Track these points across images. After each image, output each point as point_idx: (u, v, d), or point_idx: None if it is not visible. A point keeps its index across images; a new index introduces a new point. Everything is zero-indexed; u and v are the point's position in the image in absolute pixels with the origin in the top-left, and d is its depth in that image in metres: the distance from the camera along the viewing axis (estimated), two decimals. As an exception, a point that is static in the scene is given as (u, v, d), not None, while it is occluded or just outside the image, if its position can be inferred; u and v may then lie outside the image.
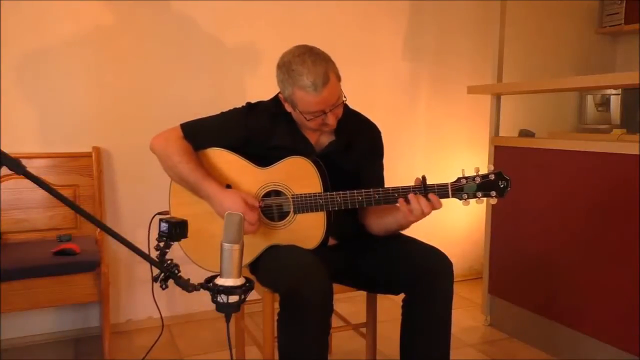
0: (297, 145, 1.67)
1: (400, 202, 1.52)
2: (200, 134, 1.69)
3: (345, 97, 1.62)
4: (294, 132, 1.68)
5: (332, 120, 1.59)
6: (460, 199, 1.52)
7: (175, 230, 1.30)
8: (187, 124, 1.71)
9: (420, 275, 1.56)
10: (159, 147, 1.68)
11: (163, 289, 1.29)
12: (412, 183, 1.54)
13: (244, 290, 1.23)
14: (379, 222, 1.68)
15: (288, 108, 1.64)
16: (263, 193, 1.65)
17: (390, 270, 1.63)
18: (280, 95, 1.65)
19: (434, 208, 1.51)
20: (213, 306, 1.24)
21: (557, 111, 3.58)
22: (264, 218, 1.64)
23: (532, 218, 2.37)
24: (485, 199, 1.50)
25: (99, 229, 2.25)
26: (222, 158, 1.68)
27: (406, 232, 1.72)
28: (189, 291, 1.26)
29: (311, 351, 1.48)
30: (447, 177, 1.55)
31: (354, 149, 1.72)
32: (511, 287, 2.51)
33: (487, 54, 2.65)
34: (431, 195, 1.50)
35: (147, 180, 2.50)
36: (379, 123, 1.82)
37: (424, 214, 1.51)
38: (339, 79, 1.59)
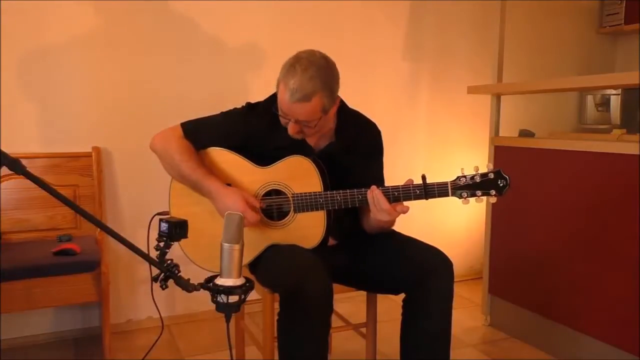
0: (296, 145, 1.67)
1: (369, 197, 1.53)
2: (200, 133, 1.70)
3: (315, 125, 1.59)
4: (293, 132, 1.68)
5: (291, 129, 1.58)
6: (460, 198, 1.52)
7: (175, 230, 1.30)
8: (187, 123, 1.72)
9: (421, 275, 1.56)
10: (160, 146, 1.68)
11: (163, 289, 1.29)
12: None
13: (244, 290, 1.23)
14: (368, 220, 1.67)
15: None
16: (263, 192, 1.65)
17: (390, 270, 1.63)
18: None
19: (402, 212, 1.52)
20: (213, 306, 1.24)
21: (557, 111, 3.58)
22: (264, 217, 1.64)
23: (532, 218, 2.37)
24: (484, 197, 1.51)
25: (99, 229, 2.25)
26: (223, 157, 1.69)
27: (407, 232, 1.73)
28: (189, 291, 1.26)
29: (311, 351, 1.48)
30: (448, 176, 1.55)
31: (353, 150, 1.72)
32: (511, 287, 2.51)
33: (487, 54, 2.65)
34: (399, 204, 1.51)
35: (147, 180, 2.50)
36: (379, 123, 1.82)
37: (387, 211, 1.51)
38: (322, 108, 1.55)
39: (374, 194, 1.52)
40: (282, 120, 1.61)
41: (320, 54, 1.58)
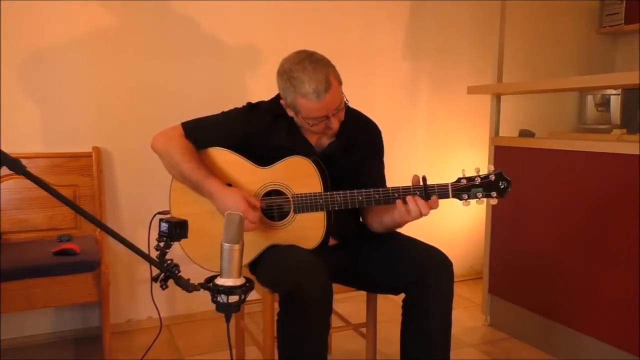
0: (297, 145, 1.67)
1: (398, 204, 1.52)
2: (201, 133, 1.70)
3: (347, 100, 1.62)
4: (294, 133, 1.69)
5: (335, 124, 1.60)
6: (461, 200, 1.52)
7: (176, 230, 1.30)
8: (188, 123, 1.72)
9: (421, 275, 1.56)
10: (161, 145, 1.68)
11: (163, 289, 1.29)
12: (411, 183, 1.54)
13: (244, 290, 1.23)
14: (378, 220, 1.68)
15: (290, 113, 1.64)
16: (263, 192, 1.65)
17: (390, 270, 1.63)
18: (282, 101, 1.65)
19: (431, 208, 1.51)
20: (213, 306, 1.24)
21: (557, 111, 3.58)
22: (264, 217, 1.64)
23: (532, 218, 2.36)
24: (485, 199, 1.50)
25: (99, 229, 2.25)
26: (223, 157, 1.69)
27: (407, 232, 1.73)
28: (189, 291, 1.26)
29: (311, 351, 1.48)
30: (447, 176, 1.55)
31: (354, 150, 1.73)
32: (511, 287, 2.51)
33: (487, 54, 2.65)
34: (432, 198, 1.50)
35: (147, 180, 2.50)
36: (379, 122, 1.83)
37: (421, 215, 1.51)
38: (340, 83, 1.58)
39: (416, 200, 1.50)
40: (318, 128, 1.60)
41: (292, 55, 1.58)
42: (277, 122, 1.69)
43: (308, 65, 1.52)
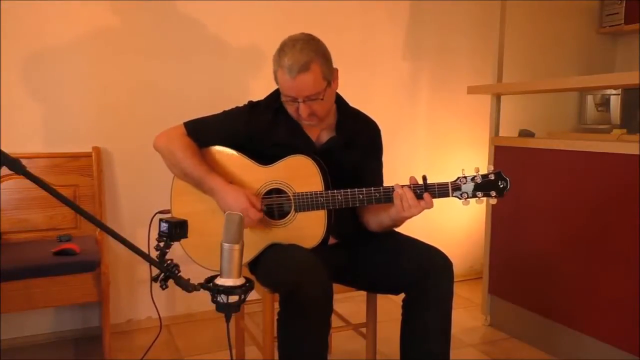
0: (297, 140, 1.68)
1: (395, 196, 1.52)
2: (202, 132, 1.70)
3: (323, 96, 1.58)
4: (294, 128, 1.69)
5: (303, 112, 1.58)
6: (460, 199, 1.53)
7: (176, 230, 1.30)
8: (190, 122, 1.73)
9: (421, 275, 1.56)
10: (162, 144, 1.69)
11: (163, 289, 1.29)
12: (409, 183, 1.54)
13: (244, 290, 1.23)
14: (375, 218, 1.68)
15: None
16: (265, 191, 1.65)
17: (390, 270, 1.63)
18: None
19: (426, 207, 1.51)
20: (213, 306, 1.24)
21: (557, 111, 3.58)
22: (265, 216, 1.64)
23: (532, 218, 2.37)
24: (485, 198, 1.51)
25: (99, 229, 2.25)
26: (225, 156, 1.69)
27: (406, 232, 1.73)
28: (189, 291, 1.26)
29: (311, 351, 1.48)
30: (447, 176, 1.56)
31: (353, 147, 1.73)
32: (511, 287, 2.51)
33: (487, 54, 2.65)
34: (425, 195, 1.50)
35: (147, 180, 2.50)
36: (379, 122, 1.83)
37: (412, 207, 1.51)
38: (322, 75, 1.56)
39: (404, 191, 1.51)
40: (291, 109, 1.61)
41: (301, 33, 1.60)
42: (277, 118, 1.69)
43: (299, 45, 1.54)
